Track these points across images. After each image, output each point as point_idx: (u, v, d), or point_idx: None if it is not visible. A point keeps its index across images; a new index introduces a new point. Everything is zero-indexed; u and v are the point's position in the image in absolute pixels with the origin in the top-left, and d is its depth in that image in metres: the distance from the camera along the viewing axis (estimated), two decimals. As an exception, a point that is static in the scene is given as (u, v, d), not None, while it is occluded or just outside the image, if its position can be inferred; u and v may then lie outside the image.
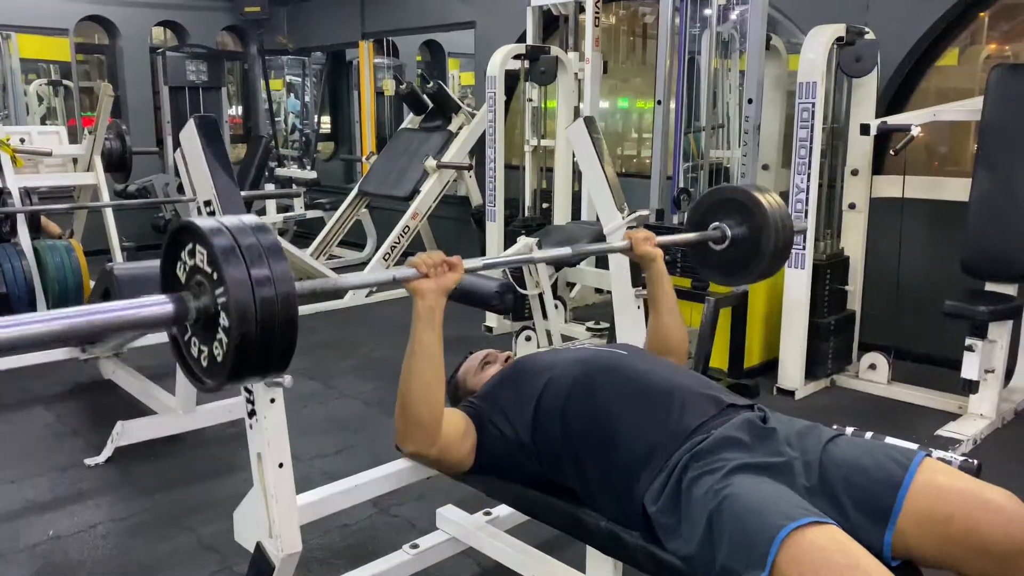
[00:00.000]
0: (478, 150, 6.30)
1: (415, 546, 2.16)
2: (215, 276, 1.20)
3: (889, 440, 1.57)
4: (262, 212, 6.40)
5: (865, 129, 3.46)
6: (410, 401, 1.60)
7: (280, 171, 7.32)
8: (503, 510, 2.31)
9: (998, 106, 3.24)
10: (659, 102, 3.88)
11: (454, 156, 5.76)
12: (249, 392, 1.61)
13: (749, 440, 1.48)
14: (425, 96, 6.10)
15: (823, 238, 3.81)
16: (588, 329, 4.49)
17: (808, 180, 3.50)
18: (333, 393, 3.78)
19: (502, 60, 4.52)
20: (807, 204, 3.51)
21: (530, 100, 5.11)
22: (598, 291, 5.51)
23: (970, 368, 3.23)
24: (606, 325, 4.48)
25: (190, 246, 1.25)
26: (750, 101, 3.52)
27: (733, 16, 3.84)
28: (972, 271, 3.33)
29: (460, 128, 5.93)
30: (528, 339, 4.12)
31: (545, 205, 5.15)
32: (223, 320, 1.21)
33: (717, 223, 2.23)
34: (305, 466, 2.93)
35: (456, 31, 7.50)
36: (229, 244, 1.20)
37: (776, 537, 1.21)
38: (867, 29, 3.63)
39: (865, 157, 3.83)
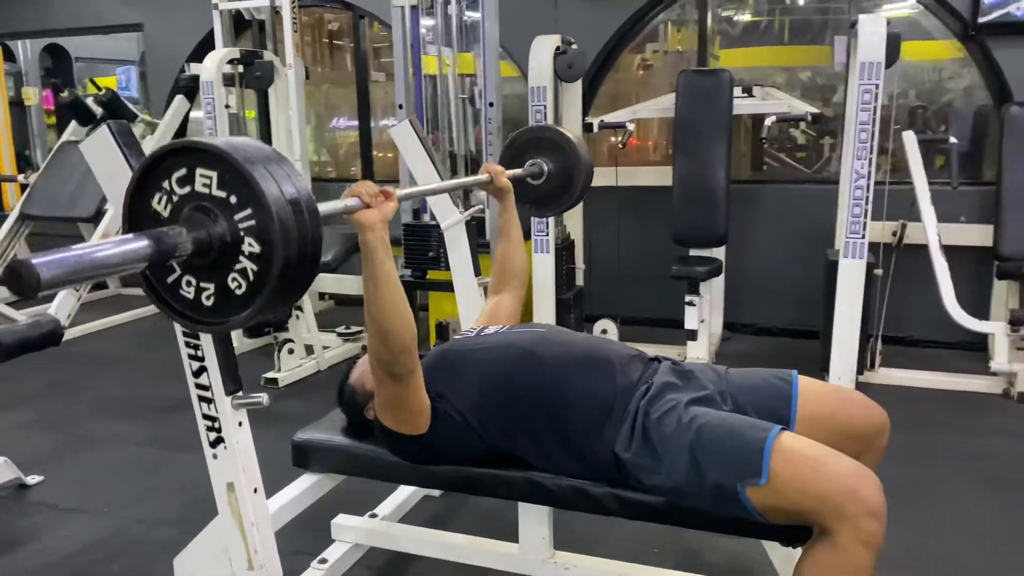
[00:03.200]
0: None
1: (323, 560, 2.10)
2: (235, 199, 1.08)
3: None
4: None
5: (589, 127, 3.98)
6: (392, 329, 1.57)
7: None
8: (384, 508, 2.35)
9: (686, 103, 3.96)
10: (400, 106, 4.02)
11: (142, 170, 5.30)
12: (212, 419, 1.49)
13: (680, 382, 1.76)
14: (94, 105, 5.47)
15: (557, 224, 4.28)
16: (340, 335, 4.48)
17: (546, 173, 3.93)
18: (89, 441, 3.33)
19: (218, 64, 4.29)
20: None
21: (228, 107, 4.89)
22: (321, 297, 5.49)
23: (691, 319, 3.92)
24: (357, 328, 4.51)
25: (182, 171, 1.11)
26: (491, 104, 3.83)
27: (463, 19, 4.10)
28: (681, 241, 4.03)
29: (142, 138, 5.46)
30: (291, 351, 4.01)
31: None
32: (249, 246, 1.09)
33: (534, 160, 2.45)
34: (115, 520, 2.61)
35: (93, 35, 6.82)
36: (253, 159, 1.08)
37: (764, 448, 1.50)
38: (573, 40, 4.16)
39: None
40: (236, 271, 1.11)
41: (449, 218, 2.59)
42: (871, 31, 3.32)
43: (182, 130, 5.58)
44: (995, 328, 3.59)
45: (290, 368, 4.00)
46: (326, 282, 4.79)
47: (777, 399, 1.77)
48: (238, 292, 1.11)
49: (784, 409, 1.75)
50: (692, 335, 3.94)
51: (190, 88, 5.48)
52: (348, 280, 4.74)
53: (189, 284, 1.14)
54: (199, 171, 1.09)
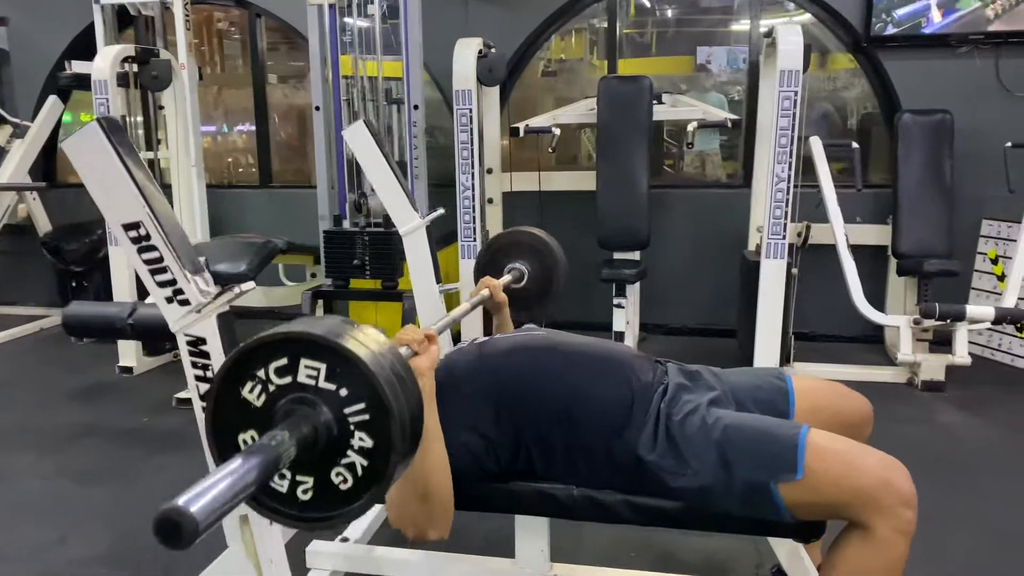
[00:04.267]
0: (42, 167, 5.40)
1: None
2: (346, 391, 1.02)
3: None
4: None
5: (515, 131, 3.95)
6: (434, 487, 1.51)
7: None
8: (355, 530, 2.22)
9: (608, 110, 4.00)
10: (317, 108, 3.85)
11: (12, 175, 4.86)
12: (225, 447, 1.34)
13: (690, 383, 1.76)
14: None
15: (481, 229, 4.23)
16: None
17: (473, 179, 3.88)
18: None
19: (112, 62, 3.97)
20: (474, 200, 3.89)
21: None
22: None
23: (619, 321, 3.97)
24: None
25: (283, 361, 1.02)
26: (416, 107, 3.74)
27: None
28: (606, 245, 4.06)
29: (9, 142, 4.99)
30: (204, 369, 3.75)
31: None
32: (360, 441, 1.03)
33: (512, 265, 2.45)
34: (42, 564, 2.34)
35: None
36: (367, 349, 1.02)
37: (798, 444, 1.51)
38: (493, 44, 4.13)
39: (496, 157, 4.36)
40: (342, 465, 1.03)
41: (408, 223, 2.48)
42: (789, 40, 3.48)
43: (54, 134, 5.13)
44: (900, 321, 3.83)
45: (204, 387, 3.73)
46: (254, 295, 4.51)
47: (775, 395, 1.81)
48: (343, 487, 1.04)
49: (783, 404, 1.80)
50: (619, 337, 3.98)
51: (66, 88, 5.06)
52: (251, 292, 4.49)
53: (283, 477, 1.05)
54: (304, 362, 1.01)
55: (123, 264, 4.05)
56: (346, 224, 3.91)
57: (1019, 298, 3.72)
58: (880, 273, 4.38)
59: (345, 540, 2.16)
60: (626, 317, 3.97)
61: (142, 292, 4.17)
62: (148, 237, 1.29)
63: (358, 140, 2.37)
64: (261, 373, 1.02)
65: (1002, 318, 3.45)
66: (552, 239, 2.45)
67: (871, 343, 4.55)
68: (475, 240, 3.88)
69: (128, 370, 4.14)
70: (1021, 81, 4.21)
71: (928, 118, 4.06)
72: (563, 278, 2.47)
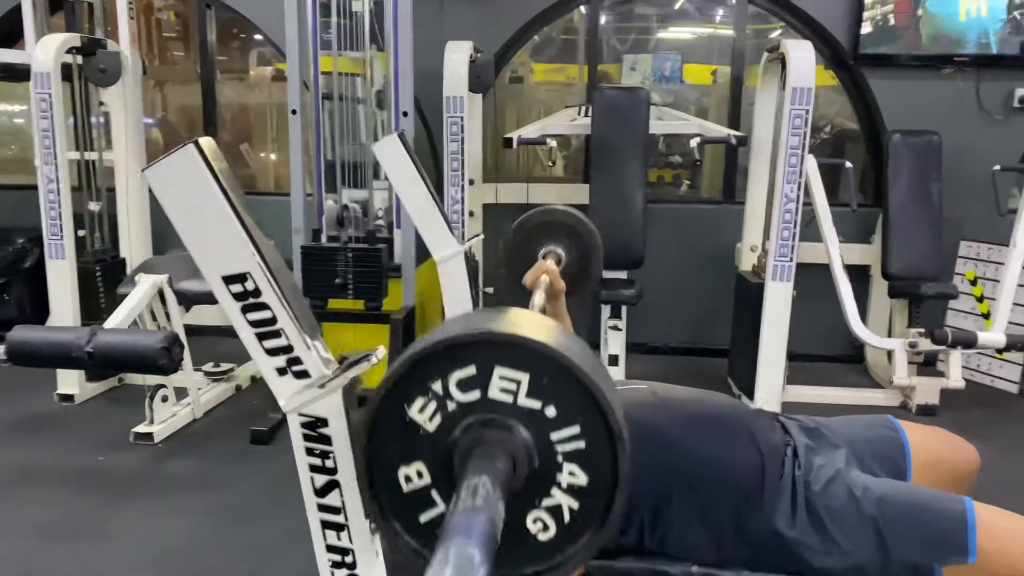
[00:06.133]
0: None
1: None
2: (553, 411, 0.77)
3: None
4: None
5: (508, 142, 3.71)
6: None
7: None
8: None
9: (602, 121, 3.81)
10: (294, 112, 3.51)
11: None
12: (344, 552, 1.07)
13: (815, 443, 1.58)
14: None
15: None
16: (208, 375, 3.85)
17: (462, 191, 3.62)
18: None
19: (56, 53, 3.51)
20: (463, 213, 3.64)
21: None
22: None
23: (615, 344, 3.78)
24: (228, 365, 3.90)
25: (469, 371, 0.76)
26: (405, 114, 3.45)
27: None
28: (598, 263, 3.87)
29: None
30: (165, 399, 3.37)
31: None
32: (569, 476, 0.78)
33: (548, 247, 2.19)
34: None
35: None
36: (584, 357, 0.77)
37: (967, 523, 1.33)
38: (481, 49, 3.88)
39: (478, 168, 4.11)
40: (543, 509, 0.79)
41: (445, 249, 2.21)
42: (799, 56, 3.37)
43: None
44: (895, 345, 3.78)
45: (164, 419, 3.35)
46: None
47: (892, 449, 1.65)
48: (541, 537, 0.79)
49: (900, 459, 1.64)
50: (614, 360, 3.80)
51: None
52: (207, 310, 4.10)
53: None
54: (500, 372, 0.75)
55: (65, 277, 3.60)
56: (323, 239, 3.59)
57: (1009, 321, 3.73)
58: (862, 293, 4.34)
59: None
60: (621, 340, 3.79)
61: (86, 313, 3.74)
62: (258, 293, 1.00)
63: (390, 156, 2.08)
64: (438, 387, 0.76)
65: (1012, 345, 3.44)
66: (588, 220, 2.19)
67: (851, 363, 4.52)
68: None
69: (69, 398, 3.69)
70: (999, 104, 4.25)
71: (918, 139, 4.04)
72: (601, 262, 2.21)
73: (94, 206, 4.01)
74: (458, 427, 0.76)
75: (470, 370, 0.75)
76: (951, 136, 4.11)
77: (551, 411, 0.76)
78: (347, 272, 3.40)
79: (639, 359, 4.55)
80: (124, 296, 3.32)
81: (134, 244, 4.02)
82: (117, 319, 3.08)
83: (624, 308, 3.79)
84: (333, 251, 3.41)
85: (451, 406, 0.76)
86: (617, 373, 3.86)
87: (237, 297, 1.01)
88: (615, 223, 3.81)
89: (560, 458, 0.77)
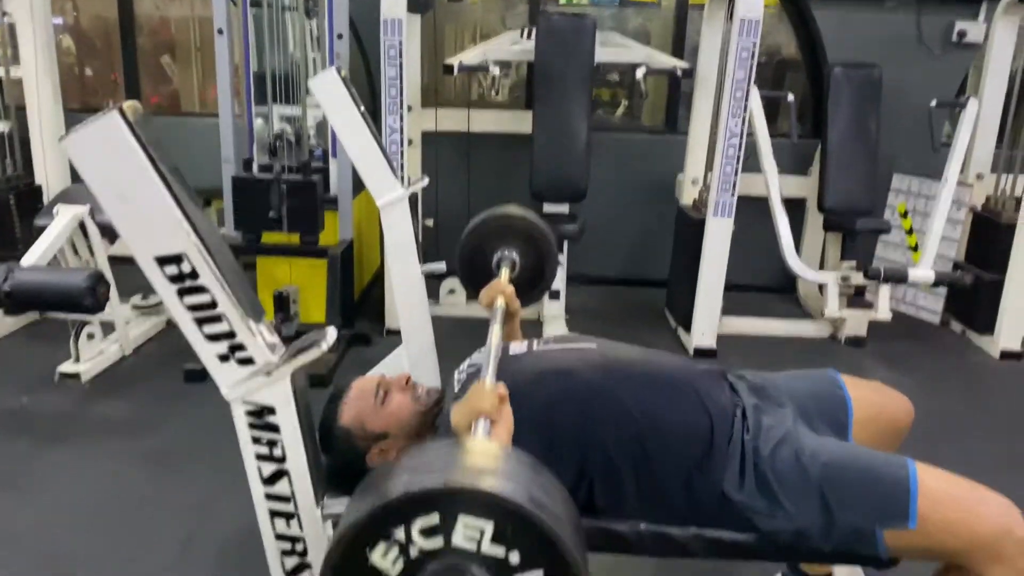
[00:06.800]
0: None
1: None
2: (517, 557, 0.79)
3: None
4: None
5: (449, 69, 3.56)
6: None
7: None
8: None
9: (547, 48, 3.69)
10: (220, 31, 3.29)
11: None
12: (294, 540, 1.04)
13: (762, 403, 1.59)
14: None
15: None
16: (136, 307, 3.69)
17: (400, 120, 3.49)
18: None
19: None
20: (401, 144, 3.51)
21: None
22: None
23: (557, 280, 3.76)
24: (157, 300, 3.76)
25: (433, 519, 0.77)
26: (340, 36, 3.27)
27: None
28: (539, 196, 3.81)
29: None
30: (91, 336, 3.23)
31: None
32: None
33: (502, 252, 2.15)
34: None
35: None
36: (544, 503, 0.80)
37: (910, 489, 1.36)
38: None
39: (417, 94, 3.96)
40: None
41: (389, 193, 2.12)
42: (749, -13, 3.28)
43: None
44: (828, 278, 3.87)
45: (91, 357, 3.22)
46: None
47: (834, 405, 1.70)
48: None
49: (843, 415, 1.68)
50: (555, 295, 3.79)
51: None
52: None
53: None
54: (464, 520, 0.76)
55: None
56: (255, 169, 3.44)
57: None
58: (797, 225, 4.39)
59: None
60: (562, 274, 3.77)
61: (0, 244, 3.53)
62: (195, 275, 0.91)
63: (328, 92, 1.95)
64: (400, 534, 0.77)
65: (940, 281, 3.54)
66: (545, 224, 2.18)
67: (784, 293, 4.62)
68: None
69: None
70: (939, 39, 4.27)
71: (859, 72, 4.04)
72: (556, 265, 2.22)
73: (2, 127, 3.74)
74: (422, 573, 0.78)
75: (433, 518, 0.76)
76: (890, 70, 4.11)
77: (515, 557, 0.78)
78: (281, 205, 3.27)
79: (579, 290, 4.54)
80: (42, 229, 3.13)
81: (50, 170, 3.77)
82: (35, 255, 2.90)
83: (566, 243, 3.75)
84: (266, 183, 3.27)
85: (414, 552, 0.77)
86: (558, 308, 3.86)
87: (172, 280, 0.93)
88: (558, 156, 3.75)
89: None
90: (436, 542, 0.76)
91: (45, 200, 3.68)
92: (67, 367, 3.13)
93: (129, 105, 0.90)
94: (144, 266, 0.93)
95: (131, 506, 2.35)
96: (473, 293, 2.04)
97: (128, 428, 2.83)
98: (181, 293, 0.93)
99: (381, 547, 0.77)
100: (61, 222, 3.04)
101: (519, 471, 0.81)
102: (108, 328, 3.37)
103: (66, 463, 2.56)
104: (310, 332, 0.99)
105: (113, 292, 3.27)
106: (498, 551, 0.77)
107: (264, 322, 0.99)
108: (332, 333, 0.99)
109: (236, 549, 2.07)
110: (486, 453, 0.82)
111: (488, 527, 0.76)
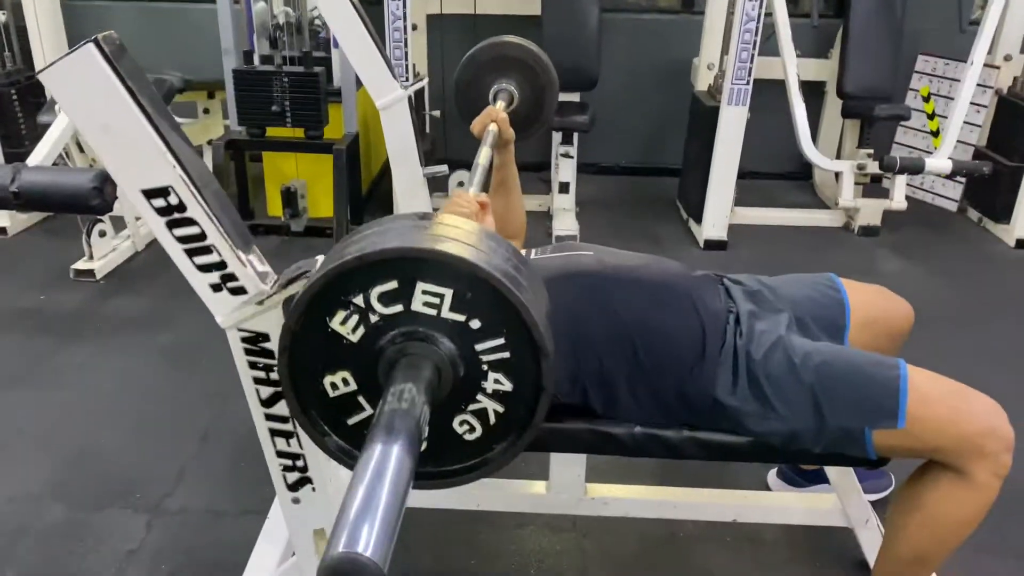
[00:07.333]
0: None
1: None
2: (478, 323, 0.80)
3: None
4: None
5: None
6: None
7: None
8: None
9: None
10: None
11: None
12: (294, 457, 1.08)
13: (758, 308, 1.60)
14: None
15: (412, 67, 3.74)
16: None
17: (404, 5, 3.36)
18: None
19: None
20: (405, 31, 3.39)
21: None
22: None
23: (566, 171, 3.72)
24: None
25: (391, 285, 0.77)
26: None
27: None
28: (549, 83, 3.70)
29: None
30: (103, 234, 3.26)
31: None
32: (495, 384, 0.84)
33: (500, 85, 2.09)
34: None
35: None
36: (505, 269, 0.79)
37: (900, 389, 1.39)
38: None
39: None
40: (469, 412, 0.85)
41: (387, 95, 2.07)
42: None
43: None
44: (844, 167, 3.79)
45: (104, 254, 3.26)
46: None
47: (832, 309, 1.69)
48: (468, 437, 0.87)
49: (840, 319, 1.69)
50: (565, 187, 3.75)
51: None
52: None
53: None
54: (423, 287, 0.76)
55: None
56: (256, 61, 3.36)
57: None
58: (815, 110, 4.27)
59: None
60: (573, 166, 3.72)
61: (6, 141, 3.51)
62: (183, 207, 0.91)
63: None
64: (359, 300, 0.79)
65: (958, 171, 3.46)
66: (544, 54, 2.12)
67: (799, 179, 4.55)
68: (407, 77, 3.42)
69: (1, 231, 3.55)
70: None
71: (887, -56, 3.81)
72: (554, 101, 2.17)
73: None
74: (383, 338, 0.80)
75: (391, 284, 0.77)
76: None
77: (475, 323, 0.79)
78: (283, 99, 3.21)
79: (589, 179, 4.50)
80: (46, 126, 3.10)
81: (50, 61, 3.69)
82: (41, 154, 2.89)
83: (576, 134, 3.68)
84: (267, 75, 3.20)
85: (374, 318, 0.79)
86: (568, 201, 3.82)
87: (160, 212, 0.92)
88: (569, 42, 3.62)
89: (485, 367, 0.82)
90: (396, 308, 0.78)
91: (48, 95, 3.63)
92: (81, 264, 3.18)
93: (106, 35, 0.88)
94: (133, 199, 0.92)
95: (151, 402, 2.43)
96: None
97: (144, 324, 2.89)
98: (170, 225, 0.93)
99: (341, 314, 0.79)
100: (65, 119, 3.01)
101: (483, 241, 0.81)
102: (119, 223, 3.39)
103: (84, 361, 2.63)
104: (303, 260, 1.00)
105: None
106: (459, 317, 0.79)
107: (254, 251, 0.99)
108: (321, 261, 1.00)
109: (253, 444, 2.15)
110: (449, 223, 0.82)
111: (448, 294, 0.77)
